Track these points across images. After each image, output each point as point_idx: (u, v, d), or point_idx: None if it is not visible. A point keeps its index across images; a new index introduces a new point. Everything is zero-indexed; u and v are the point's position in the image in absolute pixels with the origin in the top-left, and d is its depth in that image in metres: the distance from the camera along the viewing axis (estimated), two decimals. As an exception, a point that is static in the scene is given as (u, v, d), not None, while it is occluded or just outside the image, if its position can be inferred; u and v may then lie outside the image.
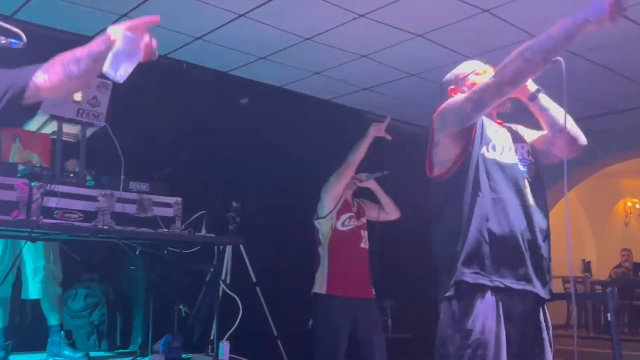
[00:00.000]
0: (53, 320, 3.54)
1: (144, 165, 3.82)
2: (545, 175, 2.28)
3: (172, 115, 4.68)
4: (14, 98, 1.65)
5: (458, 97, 2.21)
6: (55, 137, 3.26)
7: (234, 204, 4.39)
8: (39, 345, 3.63)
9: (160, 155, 4.15)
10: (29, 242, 3.29)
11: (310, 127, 5.42)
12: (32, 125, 3.30)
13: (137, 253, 4.03)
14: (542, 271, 2.11)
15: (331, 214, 3.69)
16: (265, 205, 5.07)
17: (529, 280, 2.06)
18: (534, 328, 2.12)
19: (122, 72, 1.58)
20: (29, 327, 3.80)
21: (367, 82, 5.31)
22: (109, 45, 1.57)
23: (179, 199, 3.47)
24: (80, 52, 1.63)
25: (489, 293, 2.01)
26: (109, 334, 4.00)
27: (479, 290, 2.01)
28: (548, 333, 2.14)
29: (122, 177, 3.29)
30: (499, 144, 2.18)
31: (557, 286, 3.69)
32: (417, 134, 5.94)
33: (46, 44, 3.97)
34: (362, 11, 4.00)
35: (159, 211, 3.37)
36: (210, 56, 4.79)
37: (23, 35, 1.71)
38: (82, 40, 1.71)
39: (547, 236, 2.15)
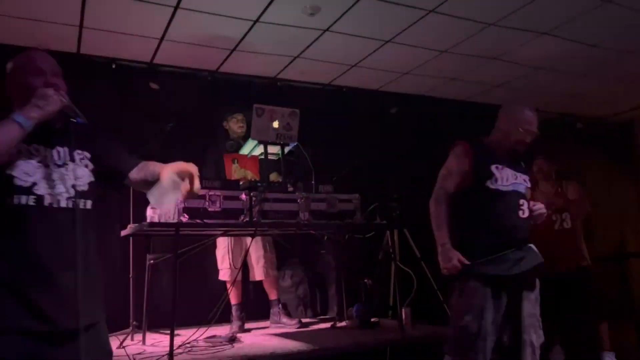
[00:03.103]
0: (273, 295, 3.80)
1: (327, 172, 3.98)
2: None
3: (341, 131, 4.87)
4: (111, 173, 1.80)
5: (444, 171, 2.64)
6: (262, 157, 3.54)
7: (395, 196, 4.44)
8: (263, 316, 3.93)
9: (336, 163, 4.31)
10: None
11: (449, 126, 5.33)
12: (245, 149, 3.60)
13: (325, 239, 4.25)
14: None
15: None
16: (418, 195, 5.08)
17: None
18: None
19: (163, 203, 1.64)
20: (254, 302, 4.14)
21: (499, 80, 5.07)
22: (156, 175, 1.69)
23: (357, 195, 3.57)
24: (150, 168, 1.77)
25: None
26: (311, 304, 4.24)
27: None
28: None
29: (313, 182, 3.49)
30: None
31: None
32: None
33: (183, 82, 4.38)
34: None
35: (343, 206, 3.50)
36: (363, 78, 4.87)
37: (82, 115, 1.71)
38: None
39: None
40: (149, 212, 3.16)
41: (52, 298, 1.54)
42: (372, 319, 3.71)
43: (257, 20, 3.70)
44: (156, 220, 2.99)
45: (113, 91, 4.16)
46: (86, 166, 1.72)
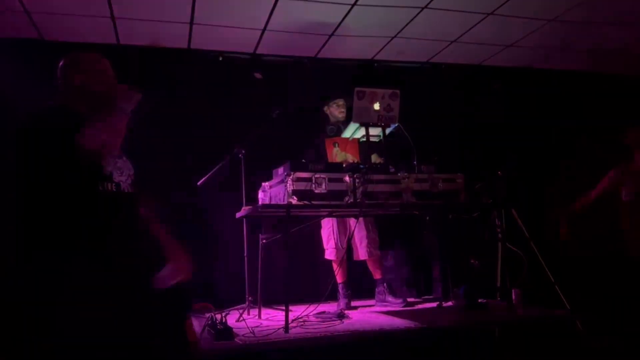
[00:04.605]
0: (377, 275, 3.86)
1: (428, 151, 3.93)
2: None
3: (442, 109, 4.80)
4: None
5: None
6: (363, 139, 3.59)
7: (501, 174, 4.29)
8: (368, 294, 3.99)
9: (438, 142, 4.26)
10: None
11: (559, 98, 5.04)
12: (347, 133, 3.67)
13: (427, 219, 4.23)
14: None
15: None
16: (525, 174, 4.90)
17: None
18: None
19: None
20: (359, 281, 4.23)
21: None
22: None
23: (461, 175, 3.51)
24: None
25: None
26: (415, 284, 4.26)
27: None
28: None
29: (415, 162, 3.48)
30: None
31: None
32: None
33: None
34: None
35: (446, 186, 3.45)
36: (463, 53, 4.72)
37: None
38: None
39: None
40: (260, 194, 3.36)
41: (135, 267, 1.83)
42: (480, 300, 3.65)
43: (354, 4, 3.73)
44: (267, 202, 3.16)
45: (220, 82, 4.43)
46: (127, 159, 2.00)
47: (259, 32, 4.13)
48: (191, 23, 3.92)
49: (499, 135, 4.88)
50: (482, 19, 4.05)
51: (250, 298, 3.58)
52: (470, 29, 4.22)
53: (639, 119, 3.87)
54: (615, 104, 4.96)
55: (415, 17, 3.97)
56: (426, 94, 4.78)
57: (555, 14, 4.01)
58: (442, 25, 4.13)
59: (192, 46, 4.33)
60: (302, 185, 3.03)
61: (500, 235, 3.92)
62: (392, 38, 4.36)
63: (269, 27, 4.04)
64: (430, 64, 4.90)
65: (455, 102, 4.84)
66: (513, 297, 3.42)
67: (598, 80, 5.19)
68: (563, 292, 4.15)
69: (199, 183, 3.70)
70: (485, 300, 3.67)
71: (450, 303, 3.77)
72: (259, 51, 4.47)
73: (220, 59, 4.44)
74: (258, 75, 4.44)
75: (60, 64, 1.98)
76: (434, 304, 3.81)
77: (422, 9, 3.85)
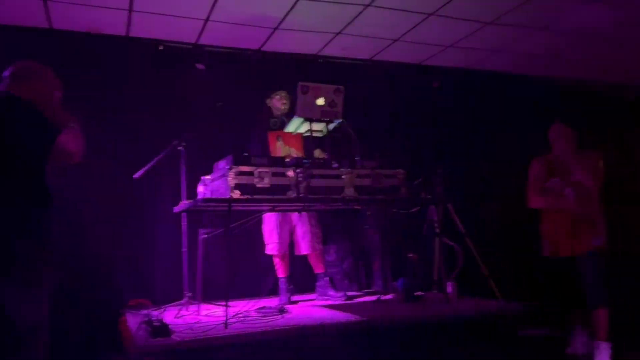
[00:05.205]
0: (319, 269, 3.89)
1: (370, 147, 3.99)
2: None
3: (384, 106, 4.89)
4: None
5: None
6: (307, 134, 3.59)
7: (438, 171, 4.43)
8: (309, 289, 4.02)
9: (380, 138, 4.33)
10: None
11: (494, 99, 5.25)
12: (291, 127, 3.66)
13: (368, 214, 4.30)
14: None
15: None
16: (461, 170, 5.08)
17: None
18: None
19: None
20: (300, 276, 4.24)
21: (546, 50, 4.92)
22: None
23: (402, 171, 3.58)
24: None
25: None
26: (356, 278, 4.32)
27: None
28: None
29: (357, 158, 3.52)
30: None
31: None
32: None
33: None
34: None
35: (388, 181, 3.52)
36: (406, 52, 4.82)
37: None
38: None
39: None
40: (200, 188, 3.29)
41: None
42: (417, 293, 3.75)
43: (299, -2, 3.72)
44: (208, 196, 3.10)
45: (160, 72, 4.28)
46: None
47: (202, 22, 4.03)
48: (130, 10, 3.77)
49: (439, 132, 5.03)
50: (424, 19, 4.15)
51: (189, 294, 3.50)
52: (412, 28, 4.31)
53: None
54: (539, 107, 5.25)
55: (359, 14, 4.01)
56: (370, 90, 4.86)
57: (491, 18, 4.17)
58: (385, 23, 4.19)
59: (131, 34, 4.16)
60: (244, 179, 3.00)
61: (437, 230, 4.06)
62: (337, 34, 4.38)
63: (212, 17, 3.95)
64: (374, 61, 4.96)
65: (398, 99, 4.94)
66: (449, 289, 3.55)
67: (527, 81, 5.47)
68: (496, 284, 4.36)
69: (135, 176, 3.57)
70: (422, 293, 3.79)
71: (389, 296, 3.87)
72: (201, 41, 4.37)
73: (161, 48, 4.30)
74: (200, 66, 4.33)
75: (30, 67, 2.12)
76: (374, 297, 3.89)
77: (366, 6, 3.89)
